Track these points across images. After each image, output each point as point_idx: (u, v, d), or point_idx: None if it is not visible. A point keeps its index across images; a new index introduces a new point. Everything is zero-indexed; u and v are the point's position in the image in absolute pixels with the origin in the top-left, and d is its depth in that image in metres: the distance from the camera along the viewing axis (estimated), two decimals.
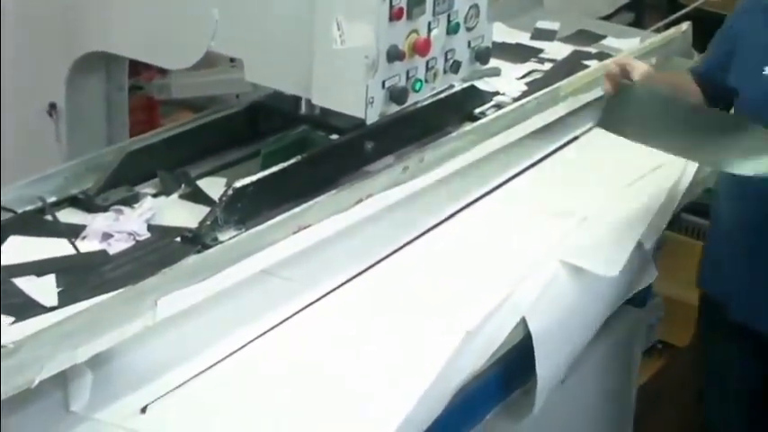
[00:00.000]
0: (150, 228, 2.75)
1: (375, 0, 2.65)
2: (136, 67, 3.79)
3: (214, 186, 2.95)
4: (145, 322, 2.37)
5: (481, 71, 3.24)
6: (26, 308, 2.38)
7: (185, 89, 4.32)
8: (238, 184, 2.74)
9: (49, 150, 3.36)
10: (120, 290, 2.39)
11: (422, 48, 2.79)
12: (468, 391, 2.56)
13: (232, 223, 2.71)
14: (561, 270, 2.82)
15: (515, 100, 3.57)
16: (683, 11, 4.89)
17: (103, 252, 2.63)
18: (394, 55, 2.71)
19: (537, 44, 4.19)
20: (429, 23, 2.82)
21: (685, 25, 4.27)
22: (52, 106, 3.35)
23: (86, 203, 2.83)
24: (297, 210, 2.72)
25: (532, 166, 3.30)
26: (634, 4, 5.61)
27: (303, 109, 3.18)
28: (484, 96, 3.56)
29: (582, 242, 2.91)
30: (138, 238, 2.70)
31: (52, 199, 2.83)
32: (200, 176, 3.03)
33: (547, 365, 2.74)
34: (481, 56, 3.05)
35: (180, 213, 2.82)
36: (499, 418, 2.80)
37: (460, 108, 3.44)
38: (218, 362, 2.42)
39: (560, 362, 2.82)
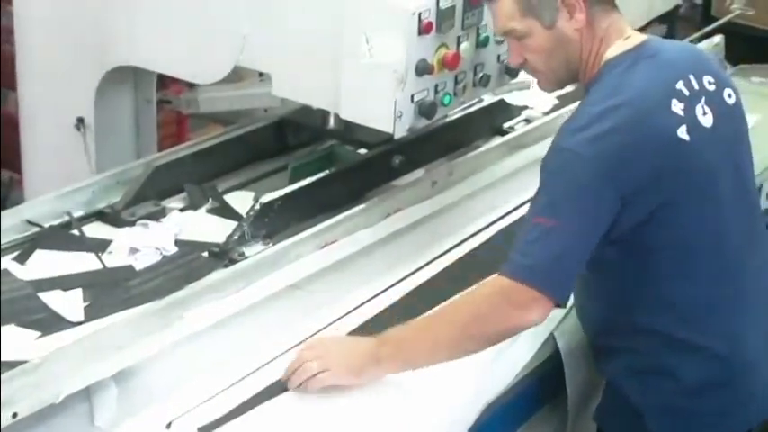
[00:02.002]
0: (177, 242, 2.75)
1: (404, 14, 2.64)
2: (164, 82, 3.79)
3: (242, 201, 2.95)
4: (171, 337, 2.36)
5: (511, 85, 3.23)
6: (52, 322, 2.38)
7: (213, 103, 4.31)
8: (266, 198, 2.73)
9: (76, 164, 3.37)
10: (147, 304, 2.40)
11: (451, 62, 2.77)
12: (497, 406, 2.53)
13: (259, 238, 2.71)
14: None
15: (545, 114, 3.56)
16: (716, 24, 4.86)
17: (130, 267, 2.63)
18: (423, 69, 2.70)
19: None
20: (458, 37, 2.81)
21: (718, 38, 4.25)
22: (80, 120, 3.37)
23: (113, 218, 2.84)
24: (325, 224, 2.72)
25: None
26: (666, 17, 5.57)
27: (331, 123, 3.18)
28: (513, 110, 3.55)
29: None
30: (164, 253, 2.70)
31: (79, 213, 2.84)
32: (228, 191, 3.04)
33: (576, 383, 2.71)
34: (510, 70, 3.04)
35: (207, 228, 2.83)
36: None
37: (489, 122, 3.44)
38: (245, 377, 2.41)
39: (590, 379, 2.79)
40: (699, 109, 2.41)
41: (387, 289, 2.74)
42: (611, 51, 2.43)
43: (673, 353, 2.48)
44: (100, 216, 2.86)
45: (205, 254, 2.69)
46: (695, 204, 2.40)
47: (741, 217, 2.50)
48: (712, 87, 2.46)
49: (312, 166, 3.06)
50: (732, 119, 2.51)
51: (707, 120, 2.41)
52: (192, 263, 2.65)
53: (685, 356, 2.48)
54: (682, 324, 2.46)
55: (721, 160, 2.44)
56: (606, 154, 2.29)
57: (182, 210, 2.93)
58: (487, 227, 3.04)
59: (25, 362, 2.14)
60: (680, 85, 2.40)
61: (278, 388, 2.37)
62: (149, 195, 2.91)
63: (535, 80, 2.62)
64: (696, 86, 2.42)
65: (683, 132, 2.36)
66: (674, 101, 2.37)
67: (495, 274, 2.35)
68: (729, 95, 2.51)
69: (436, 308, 2.52)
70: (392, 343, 2.40)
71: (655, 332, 2.48)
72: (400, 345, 2.40)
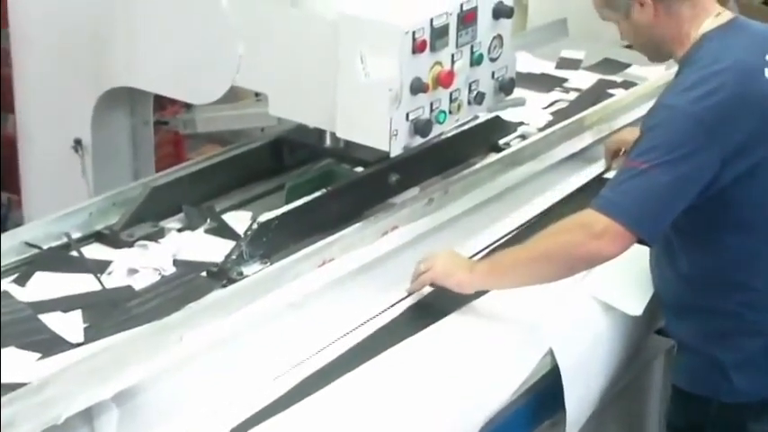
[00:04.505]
0: (176, 262, 2.76)
1: (398, 33, 2.66)
2: (161, 102, 3.80)
3: (239, 220, 2.96)
4: (171, 357, 2.37)
5: (506, 102, 3.24)
6: (52, 344, 2.39)
7: (210, 123, 4.33)
8: (263, 218, 2.74)
9: (74, 186, 3.37)
10: (146, 325, 2.40)
11: (445, 79, 2.79)
12: (497, 422, 2.54)
13: (257, 257, 2.72)
14: (589, 303, 2.80)
15: (540, 130, 3.56)
16: None
17: (129, 287, 2.64)
18: (417, 87, 2.72)
19: (562, 73, 4.19)
20: (452, 55, 2.82)
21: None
22: (78, 142, 3.37)
23: (112, 239, 2.85)
24: (322, 243, 2.72)
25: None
26: None
27: (327, 142, 3.19)
28: (508, 127, 3.56)
29: (607, 275, 2.88)
30: (163, 273, 2.71)
31: (78, 235, 2.85)
32: (226, 210, 3.05)
33: (576, 398, 2.71)
34: (505, 86, 3.05)
35: (205, 248, 2.83)
36: None
37: (485, 139, 3.44)
38: (245, 396, 2.41)
39: (590, 394, 2.79)
40: None
41: (387, 308, 2.75)
42: (706, 26, 2.61)
43: (757, 312, 2.65)
44: (98, 237, 2.86)
45: (203, 274, 2.70)
46: None
47: None
48: None
49: (309, 185, 3.06)
50: None
51: None
52: (190, 283, 2.67)
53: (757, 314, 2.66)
54: (764, 280, 2.64)
55: None
56: (711, 112, 2.49)
57: (180, 230, 2.93)
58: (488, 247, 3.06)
59: (26, 384, 2.14)
60: None
61: (278, 406, 2.38)
62: (147, 216, 2.92)
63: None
64: None
65: None
66: (766, 69, 2.57)
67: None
68: None
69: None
70: (488, 259, 2.77)
71: (738, 291, 2.65)
72: (493, 261, 2.73)
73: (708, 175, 2.50)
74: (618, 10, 2.64)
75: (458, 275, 2.69)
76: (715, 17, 2.63)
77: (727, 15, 2.65)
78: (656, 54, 2.71)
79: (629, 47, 2.94)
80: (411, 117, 2.74)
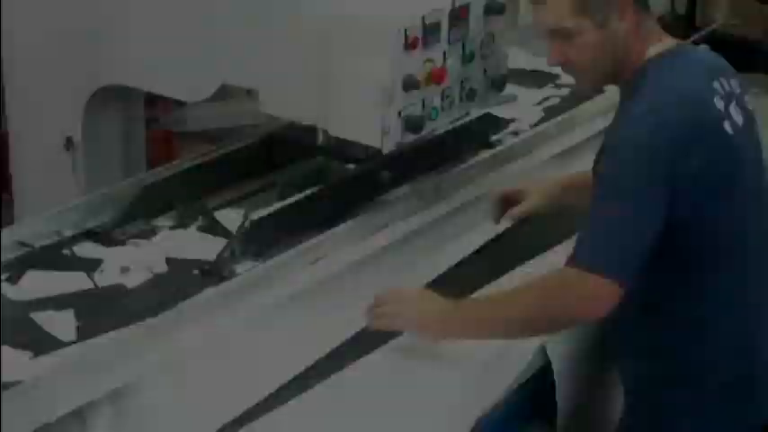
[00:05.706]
0: (168, 260, 2.75)
1: (390, 30, 2.66)
2: (152, 100, 3.80)
3: (231, 218, 2.95)
4: (163, 355, 2.37)
5: (497, 98, 3.24)
6: (45, 343, 2.38)
7: (202, 121, 4.34)
8: (255, 215, 2.74)
9: (66, 184, 3.37)
10: (139, 323, 2.40)
11: (437, 76, 2.79)
12: (487, 419, 2.54)
13: (249, 255, 2.72)
14: None
15: (532, 126, 3.57)
16: (700, 33, 4.87)
17: (121, 286, 2.64)
18: (409, 84, 2.72)
19: (554, 70, 4.18)
20: (444, 52, 2.82)
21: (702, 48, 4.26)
22: (69, 140, 3.37)
23: (104, 237, 2.84)
24: (314, 240, 2.73)
25: None
26: None
27: (319, 139, 3.18)
28: (500, 123, 3.56)
29: None
30: (155, 271, 2.71)
31: (70, 233, 2.84)
32: (218, 208, 3.04)
33: (568, 395, 2.72)
34: (497, 83, 3.05)
35: (197, 246, 2.83)
36: None
37: (477, 136, 3.44)
38: (237, 393, 2.41)
39: (582, 392, 2.80)
40: (732, 108, 2.49)
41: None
42: (653, 50, 2.49)
43: (709, 349, 2.53)
44: (90, 236, 2.86)
45: (196, 272, 2.70)
46: (731, 197, 2.47)
47: (760, 218, 2.57)
48: (738, 90, 2.55)
49: (300, 182, 3.06)
50: (753, 122, 2.58)
51: (739, 119, 2.50)
52: (183, 281, 2.66)
53: (710, 354, 2.54)
54: (706, 322, 2.52)
55: (752, 159, 2.54)
56: (664, 142, 2.35)
57: (172, 228, 2.93)
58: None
59: (19, 382, 2.15)
60: (716, 85, 2.49)
61: (271, 404, 2.38)
62: (139, 214, 2.92)
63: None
64: (728, 87, 2.51)
65: (727, 126, 2.45)
66: (716, 98, 2.46)
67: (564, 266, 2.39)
68: (747, 101, 2.58)
69: (510, 288, 2.55)
70: (462, 312, 2.51)
71: (678, 330, 2.54)
72: (468, 316, 2.51)
73: (665, 208, 2.38)
74: (594, 17, 2.43)
75: (432, 328, 2.54)
76: (661, 41, 2.52)
77: (671, 41, 2.54)
78: (604, 76, 2.54)
79: None
80: (403, 114, 2.75)
